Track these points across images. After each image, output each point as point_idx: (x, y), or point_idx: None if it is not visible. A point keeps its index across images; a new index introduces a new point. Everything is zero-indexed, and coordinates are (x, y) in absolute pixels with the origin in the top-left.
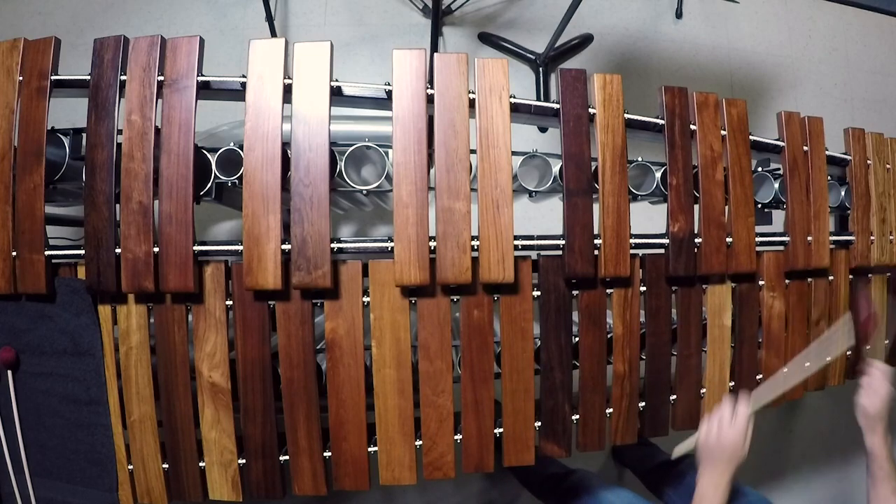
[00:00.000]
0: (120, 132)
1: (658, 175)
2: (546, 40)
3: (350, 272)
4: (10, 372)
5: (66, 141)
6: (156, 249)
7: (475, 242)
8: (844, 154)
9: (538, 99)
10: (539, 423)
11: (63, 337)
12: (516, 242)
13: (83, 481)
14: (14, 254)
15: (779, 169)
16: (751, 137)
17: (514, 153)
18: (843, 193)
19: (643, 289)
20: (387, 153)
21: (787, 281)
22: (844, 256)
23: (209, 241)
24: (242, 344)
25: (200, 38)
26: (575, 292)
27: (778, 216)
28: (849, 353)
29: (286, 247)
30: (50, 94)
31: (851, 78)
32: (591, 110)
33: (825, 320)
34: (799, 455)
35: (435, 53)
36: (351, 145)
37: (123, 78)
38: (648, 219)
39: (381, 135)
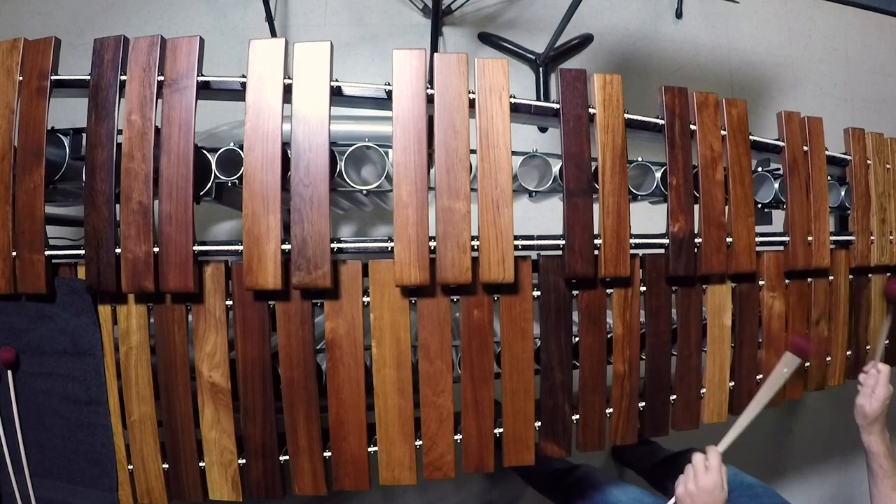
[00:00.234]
0: (120, 132)
1: (658, 175)
2: (546, 40)
3: (350, 272)
4: (10, 372)
5: (66, 141)
6: (156, 249)
7: (475, 242)
8: (844, 154)
9: (538, 99)
10: (539, 423)
11: (63, 337)
12: (516, 242)
13: (83, 481)
14: (14, 254)
15: (779, 169)
16: (751, 137)
17: (514, 153)
18: (843, 193)
19: (643, 289)
20: (387, 153)
21: (787, 281)
22: (844, 256)
23: (209, 241)
24: (242, 344)
25: (200, 38)
26: (575, 292)
27: (778, 216)
28: (849, 353)
29: (286, 247)
30: (50, 94)
31: (851, 78)
32: (591, 110)
33: (825, 320)
34: (799, 455)
35: (435, 53)
36: (351, 145)
37: (123, 78)
38: (648, 219)
39: (381, 135)
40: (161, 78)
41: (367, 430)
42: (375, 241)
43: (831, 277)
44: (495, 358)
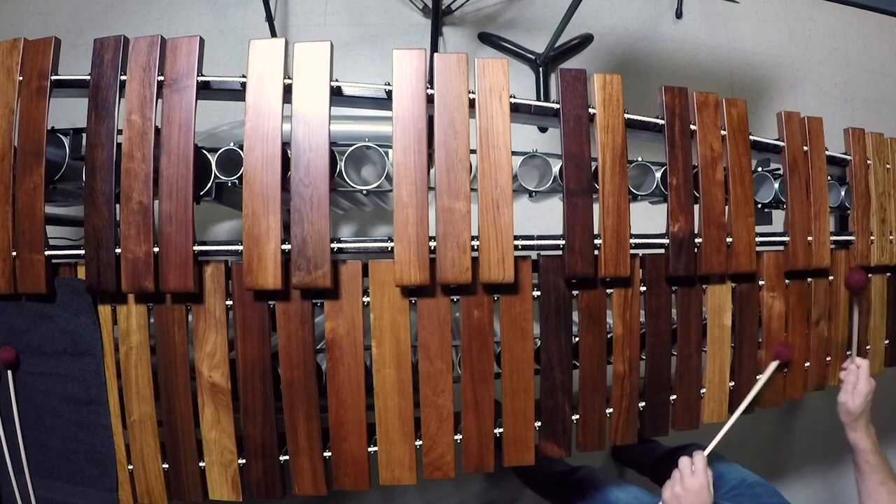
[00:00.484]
0: (120, 132)
1: (658, 175)
2: (546, 40)
3: (350, 272)
4: (10, 372)
5: (66, 141)
6: (156, 249)
7: (475, 242)
8: (844, 154)
9: (538, 99)
10: (539, 423)
11: (63, 337)
12: (516, 242)
13: (83, 481)
14: (14, 254)
15: (779, 169)
16: (751, 137)
17: (514, 153)
18: (843, 193)
19: (643, 289)
20: (387, 153)
21: (787, 281)
22: (844, 256)
23: (209, 241)
24: (242, 344)
25: (200, 38)
26: (575, 292)
27: (778, 216)
28: (849, 353)
29: (286, 247)
30: (50, 94)
31: (851, 78)
32: (591, 110)
33: (825, 320)
34: (799, 455)
35: (435, 53)
36: (351, 145)
37: (123, 78)
38: (648, 219)
39: (381, 135)
40: (161, 78)
41: (367, 430)
42: (375, 241)
43: (831, 277)
44: (495, 358)
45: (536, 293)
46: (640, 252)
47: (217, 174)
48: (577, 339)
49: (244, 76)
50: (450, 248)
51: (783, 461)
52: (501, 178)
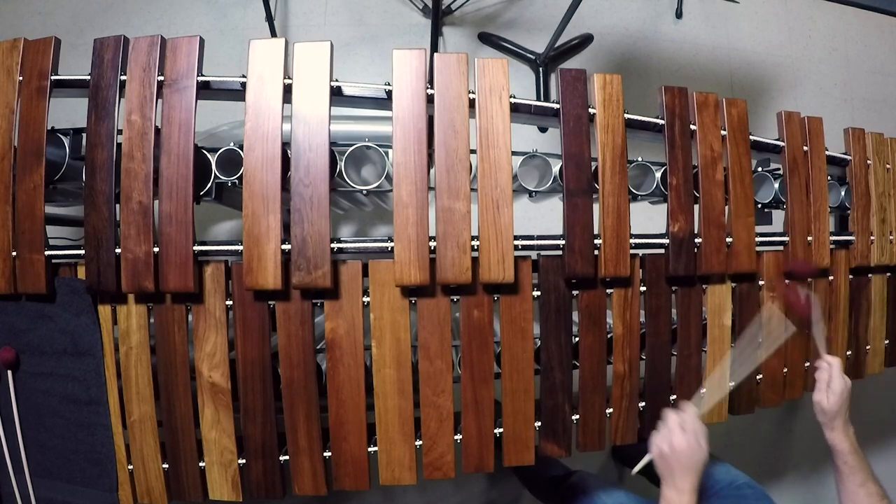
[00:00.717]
0: (120, 132)
1: (658, 175)
2: (546, 40)
3: (350, 272)
4: (10, 372)
5: (66, 141)
6: (156, 249)
7: (475, 242)
8: (844, 154)
9: (538, 99)
10: (539, 423)
11: (63, 337)
12: (516, 242)
13: (83, 481)
14: (14, 254)
15: (779, 169)
16: (751, 137)
17: (514, 153)
18: (843, 193)
19: (643, 289)
20: (387, 153)
21: (787, 281)
22: (844, 256)
23: (209, 241)
24: (242, 344)
25: (200, 38)
26: (575, 292)
27: (778, 216)
28: (849, 353)
29: (286, 247)
30: (50, 94)
31: (851, 78)
32: (591, 110)
33: (825, 320)
34: (799, 455)
35: (435, 53)
36: (351, 145)
37: (123, 78)
38: (648, 219)
39: (381, 135)
40: (161, 78)
41: (367, 430)
42: (375, 241)
43: (831, 277)
44: (495, 358)
45: (536, 293)
46: (640, 252)
47: (217, 174)
48: (577, 339)
49: (244, 76)
50: (450, 248)
51: (783, 461)
52: (501, 178)
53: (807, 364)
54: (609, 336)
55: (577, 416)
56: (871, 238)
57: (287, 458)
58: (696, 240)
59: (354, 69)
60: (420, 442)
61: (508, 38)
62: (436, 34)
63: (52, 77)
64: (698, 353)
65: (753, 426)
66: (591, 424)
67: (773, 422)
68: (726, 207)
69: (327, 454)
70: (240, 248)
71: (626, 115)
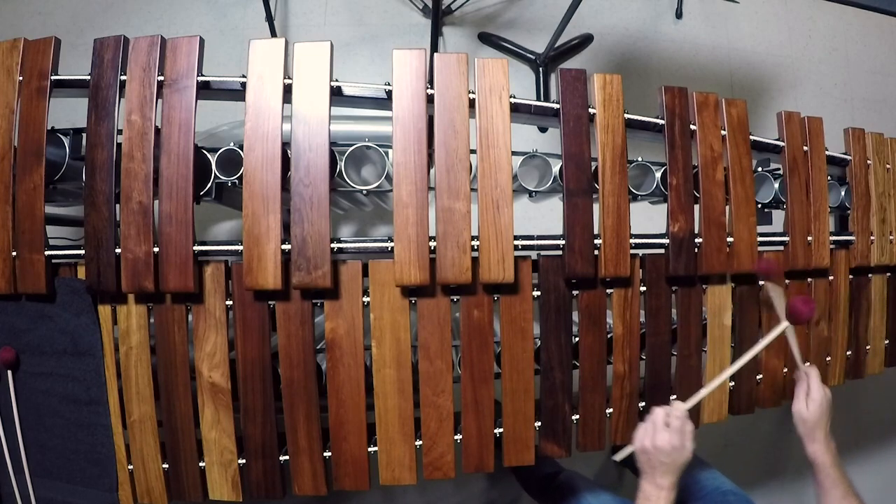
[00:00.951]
0: (120, 132)
1: (658, 175)
2: (546, 40)
3: (350, 272)
4: (10, 372)
5: (66, 141)
6: (156, 249)
7: (475, 242)
8: (844, 154)
9: (538, 99)
10: (539, 423)
11: (63, 337)
12: (516, 242)
13: (83, 481)
14: (14, 254)
15: (779, 169)
16: (751, 137)
17: (514, 153)
18: (843, 193)
19: (643, 289)
20: (387, 153)
21: (787, 281)
22: (844, 256)
23: (209, 241)
24: (242, 344)
25: (200, 38)
26: (575, 292)
27: (778, 216)
28: (849, 353)
29: (286, 247)
30: (50, 94)
31: (851, 78)
32: (591, 110)
33: (825, 320)
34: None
35: (435, 53)
36: (351, 145)
37: (123, 78)
38: (648, 219)
39: (381, 135)
40: (161, 78)
41: (367, 430)
42: (375, 241)
43: (831, 277)
44: (495, 358)
45: (536, 293)
46: (640, 252)
47: (217, 174)
48: (577, 339)
49: (244, 76)
50: (450, 248)
51: (783, 461)
52: (501, 178)
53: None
54: (609, 336)
55: (577, 416)
56: (871, 238)
57: (287, 458)
58: (697, 240)
59: (354, 69)
60: (420, 442)
61: (508, 38)
62: (436, 34)
63: (52, 77)
64: (698, 353)
65: (753, 426)
66: (591, 424)
67: (773, 422)
68: (726, 207)
69: (327, 454)
70: (240, 248)
71: (626, 115)
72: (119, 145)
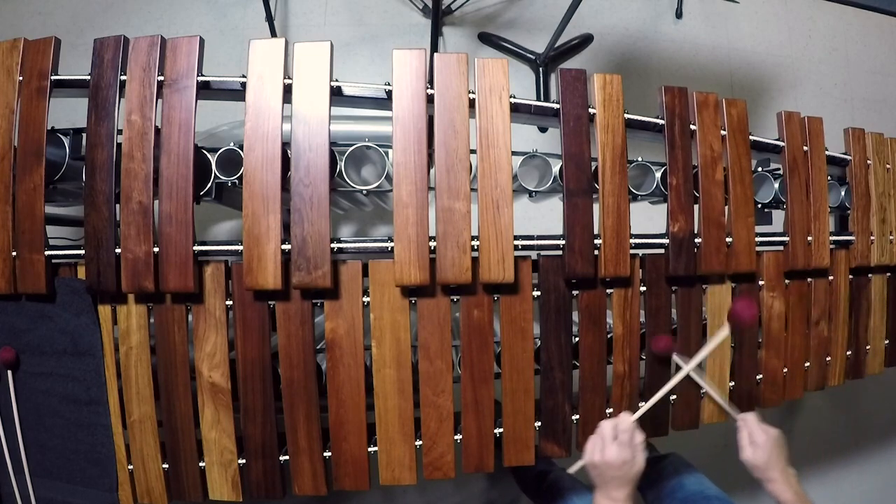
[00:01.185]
0: (120, 132)
1: (658, 175)
2: (546, 40)
3: (350, 272)
4: (10, 372)
5: (66, 141)
6: (156, 249)
7: (475, 242)
8: (844, 154)
9: (538, 99)
10: (539, 423)
11: (63, 337)
12: (516, 242)
13: (83, 481)
14: (14, 254)
15: (779, 169)
16: (751, 137)
17: (514, 153)
18: (843, 193)
19: (643, 289)
20: (387, 153)
21: (786, 281)
22: (844, 256)
23: (209, 241)
24: (242, 344)
25: (200, 38)
26: (575, 292)
27: (778, 216)
28: (849, 353)
29: (286, 247)
30: (50, 94)
31: (851, 78)
32: (591, 110)
33: (825, 320)
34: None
35: (435, 53)
36: (351, 145)
37: (123, 78)
38: (648, 219)
39: (381, 135)
40: (161, 78)
41: (367, 430)
42: (375, 241)
43: (831, 277)
44: (495, 358)
45: (536, 293)
46: (640, 252)
47: (217, 174)
48: (577, 339)
49: (244, 76)
50: (450, 248)
51: None
52: (501, 178)
53: (807, 364)
54: (609, 336)
55: (577, 416)
56: (871, 238)
57: (287, 458)
58: (696, 240)
59: (354, 69)
60: (420, 442)
61: (508, 38)
62: (436, 34)
63: (52, 77)
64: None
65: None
66: (591, 424)
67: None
68: (726, 207)
69: (327, 454)
70: (240, 248)
71: (626, 115)
72: (119, 145)
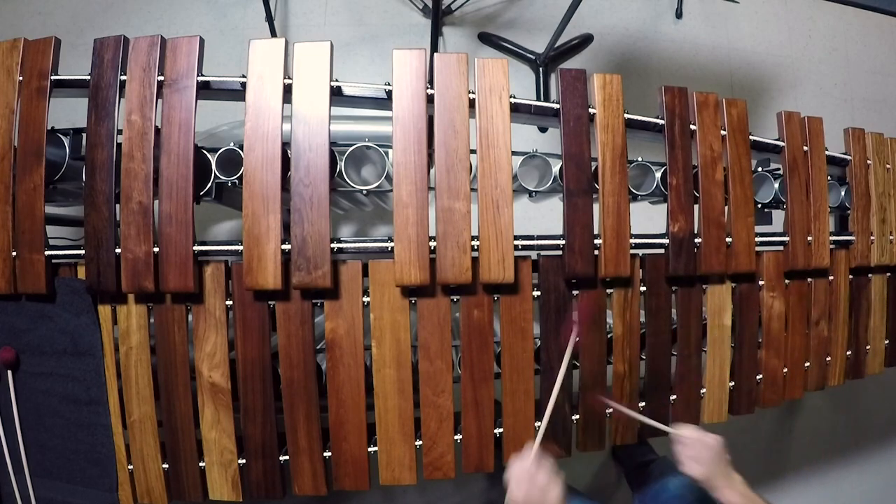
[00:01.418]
0: (120, 132)
1: (658, 175)
2: (546, 40)
3: (350, 272)
4: (10, 372)
5: (66, 141)
6: (156, 249)
7: (475, 242)
8: (844, 154)
9: (538, 99)
10: (539, 423)
11: (63, 337)
12: (516, 242)
13: (83, 481)
14: (14, 254)
15: (779, 169)
16: (751, 137)
17: (514, 153)
18: (843, 193)
19: (643, 289)
20: (387, 153)
21: (786, 281)
22: (844, 256)
23: (209, 241)
24: (242, 344)
25: (200, 38)
26: (575, 292)
27: (778, 216)
28: (849, 353)
29: (286, 247)
30: (50, 94)
31: (851, 78)
32: (591, 110)
33: (825, 320)
34: (799, 455)
35: (435, 53)
36: (351, 145)
37: (123, 78)
38: (648, 219)
39: (381, 135)
40: (161, 78)
41: (367, 430)
42: (375, 241)
43: (831, 277)
44: (495, 358)
45: (536, 293)
46: (640, 252)
47: (217, 174)
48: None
49: (244, 76)
50: (450, 248)
51: (783, 461)
52: (501, 178)
53: (807, 364)
54: (609, 336)
55: (577, 416)
56: (871, 238)
57: (287, 458)
58: (696, 240)
59: (354, 69)
60: (420, 442)
61: (508, 38)
62: (436, 34)
63: (52, 77)
64: (698, 353)
65: (754, 426)
66: (591, 424)
67: (773, 422)
68: (726, 207)
69: (327, 454)
70: (240, 248)
71: (626, 115)
72: (119, 145)
